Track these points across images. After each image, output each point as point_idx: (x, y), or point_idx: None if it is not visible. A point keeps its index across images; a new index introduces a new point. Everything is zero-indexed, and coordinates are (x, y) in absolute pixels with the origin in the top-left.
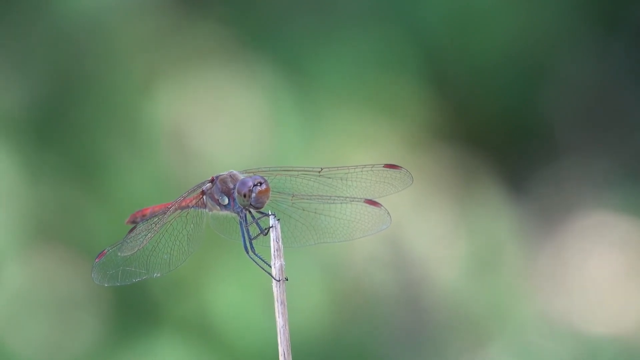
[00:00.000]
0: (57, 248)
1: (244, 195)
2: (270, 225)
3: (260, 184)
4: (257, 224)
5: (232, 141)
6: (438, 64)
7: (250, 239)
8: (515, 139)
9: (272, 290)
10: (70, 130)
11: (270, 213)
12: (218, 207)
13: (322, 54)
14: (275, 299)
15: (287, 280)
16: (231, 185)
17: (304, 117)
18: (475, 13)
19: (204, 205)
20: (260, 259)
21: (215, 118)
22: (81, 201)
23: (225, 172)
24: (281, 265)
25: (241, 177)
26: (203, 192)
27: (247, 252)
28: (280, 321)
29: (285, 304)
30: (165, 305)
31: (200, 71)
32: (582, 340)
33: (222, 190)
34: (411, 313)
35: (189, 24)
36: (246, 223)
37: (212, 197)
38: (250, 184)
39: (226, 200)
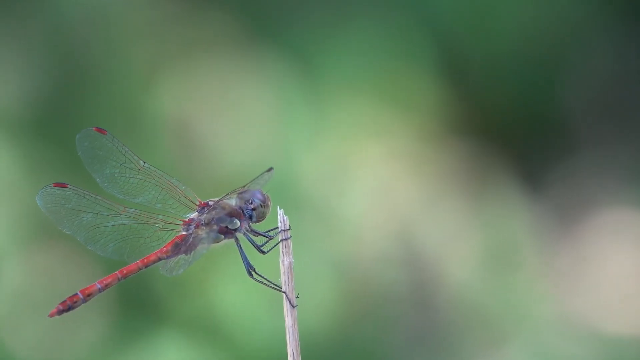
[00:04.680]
0: (57, 245)
1: (264, 205)
2: (280, 223)
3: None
4: (261, 232)
5: (238, 135)
6: (452, 54)
7: (249, 262)
8: (532, 132)
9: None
10: (71, 124)
11: (279, 209)
12: (216, 239)
13: (331, 44)
14: (284, 299)
15: (297, 297)
16: (240, 205)
17: (313, 109)
18: (491, 2)
19: (193, 246)
20: (265, 279)
21: (221, 111)
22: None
23: (209, 202)
24: (290, 262)
25: (234, 198)
26: (198, 227)
27: (252, 275)
28: (289, 321)
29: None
30: (170, 303)
31: (205, 63)
32: (602, 341)
33: (229, 214)
34: (423, 313)
35: (194, 13)
36: (252, 239)
37: (212, 229)
38: (263, 195)
39: (237, 223)
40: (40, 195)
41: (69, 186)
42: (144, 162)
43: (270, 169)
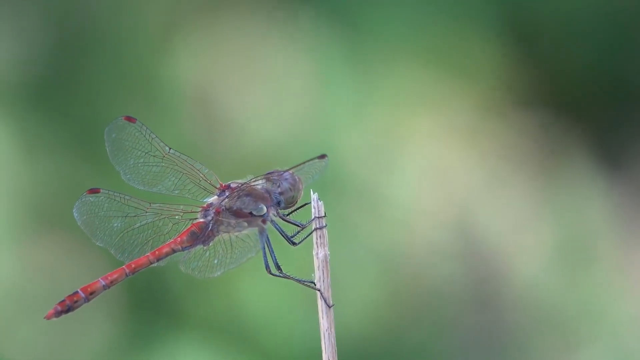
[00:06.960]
0: (56, 236)
1: (294, 189)
2: (314, 208)
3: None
4: (292, 220)
5: (268, 106)
6: (518, 12)
7: (275, 257)
8: (611, 103)
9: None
10: (74, 93)
11: (312, 192)
12: (238, 227)
13: (377, 1)
14: (319, 297)
15: (332, 305)
16: (266, 188)
17: (356, 77)
18: None
19: (212, 235)
20: (288, 276)
21: (249, 80)
22: (86, 178)
23: (231, 184)
24: (325, 255)
25: (261, 181)
26: (217, 213)
27: (273, 271)
28: (324, 323)
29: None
30: (189, 303)
31: (230, 22)
32: None
33: (254, 198)
34: (484, 314)
35: None
36: (282, 229)
37: (234, 215)
38: (293, 177)
39: (264, 209)
40: (76, 207)
41: (101, 191)
42: (170, 149)
43: (323, 156)
